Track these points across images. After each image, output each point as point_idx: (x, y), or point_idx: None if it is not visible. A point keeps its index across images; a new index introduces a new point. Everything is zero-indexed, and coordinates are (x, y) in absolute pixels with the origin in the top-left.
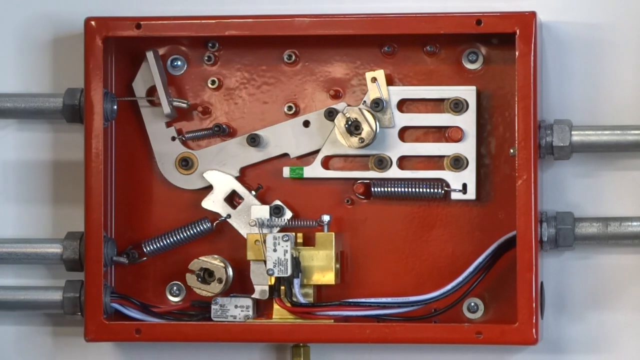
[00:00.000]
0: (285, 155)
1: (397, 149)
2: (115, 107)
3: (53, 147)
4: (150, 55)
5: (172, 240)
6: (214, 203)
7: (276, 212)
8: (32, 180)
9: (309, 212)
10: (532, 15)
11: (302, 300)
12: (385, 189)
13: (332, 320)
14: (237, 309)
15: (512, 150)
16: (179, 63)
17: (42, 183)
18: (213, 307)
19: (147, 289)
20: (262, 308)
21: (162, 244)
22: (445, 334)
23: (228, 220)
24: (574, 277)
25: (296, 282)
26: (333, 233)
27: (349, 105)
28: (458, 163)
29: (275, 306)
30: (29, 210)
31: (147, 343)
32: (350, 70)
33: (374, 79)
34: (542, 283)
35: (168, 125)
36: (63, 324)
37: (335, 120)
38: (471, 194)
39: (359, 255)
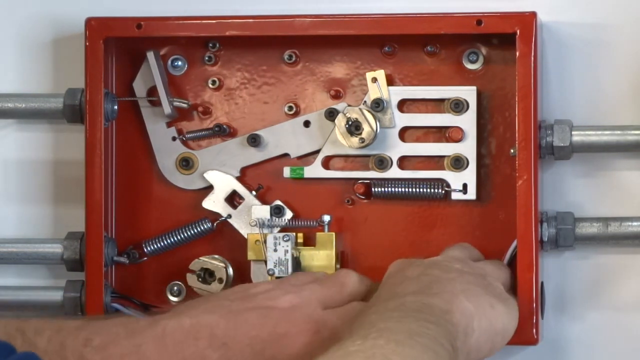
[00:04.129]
0: (286, 155)
1: (398, 149)
2: (116, 107)
3: (53, 147)
4: (150, 55)
5: (172, 240)
6: (214, 203)
7: (276, 212)
8: (32, 180)
9: (309, 212)
10: (532, 15)
11: None
12: (386, 189)
13: None
14: None
15: (512, 151)
16: (179, 63)
17: (42, 183)
18: None
19: (147, 289)
20: None
21: (162, 244)
22: None
23: (228, 220)
24: (574, 277)
25: None
26: (333, 233)
27: (349, 106)
28: (458, 163)
29: None
30: (30, 210)
31: None
32: (351, 70)
33: (374, 79)
34: (542, 283)
35: (168, 125)
36: None
37: (336, 121)
38: (471, 194)
39: (359, 255)
